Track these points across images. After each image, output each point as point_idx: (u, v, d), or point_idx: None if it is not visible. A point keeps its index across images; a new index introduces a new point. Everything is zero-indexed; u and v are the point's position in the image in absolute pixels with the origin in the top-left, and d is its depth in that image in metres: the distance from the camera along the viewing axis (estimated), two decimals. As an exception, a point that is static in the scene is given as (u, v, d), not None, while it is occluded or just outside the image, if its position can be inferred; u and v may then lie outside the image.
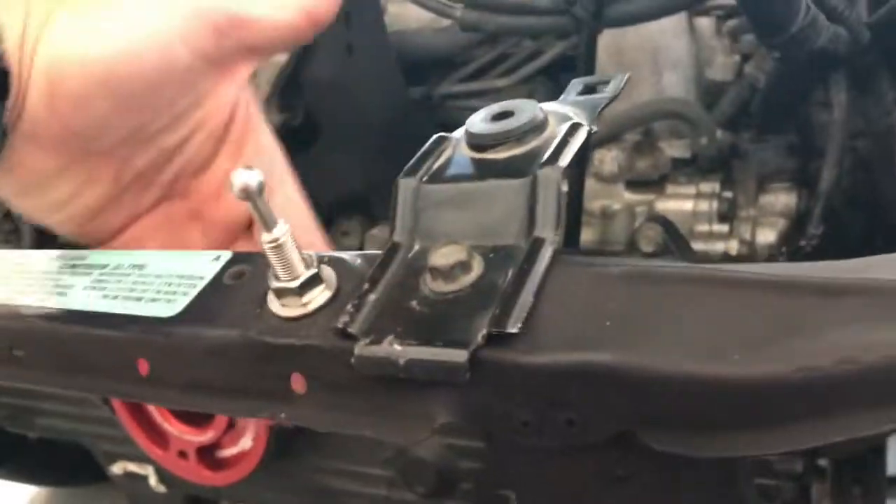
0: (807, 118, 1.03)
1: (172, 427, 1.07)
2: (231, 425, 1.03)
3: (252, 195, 0.41)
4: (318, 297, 0.44)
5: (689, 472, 0.42)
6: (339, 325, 0.41)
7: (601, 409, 0.37)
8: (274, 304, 0.45)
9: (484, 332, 0.38)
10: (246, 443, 1.05)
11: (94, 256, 0.55)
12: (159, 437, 1.09)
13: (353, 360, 0.40)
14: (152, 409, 1.07)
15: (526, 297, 0.40)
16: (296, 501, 1.15)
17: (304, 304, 0.44)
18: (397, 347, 0.40)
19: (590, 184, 1.08)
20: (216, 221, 0.62)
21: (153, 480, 1.21)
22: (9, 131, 0.51)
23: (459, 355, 0.38)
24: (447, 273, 0.42)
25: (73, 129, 0.52)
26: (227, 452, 1.08)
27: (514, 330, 0.38)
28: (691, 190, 1.05)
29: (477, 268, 0.42)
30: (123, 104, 0.53)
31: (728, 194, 1.04)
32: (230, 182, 0.40)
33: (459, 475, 0.99)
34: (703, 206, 1.04)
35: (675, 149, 1.07)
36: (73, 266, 0.55)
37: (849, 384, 0.32)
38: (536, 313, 0.39)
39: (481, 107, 0.50)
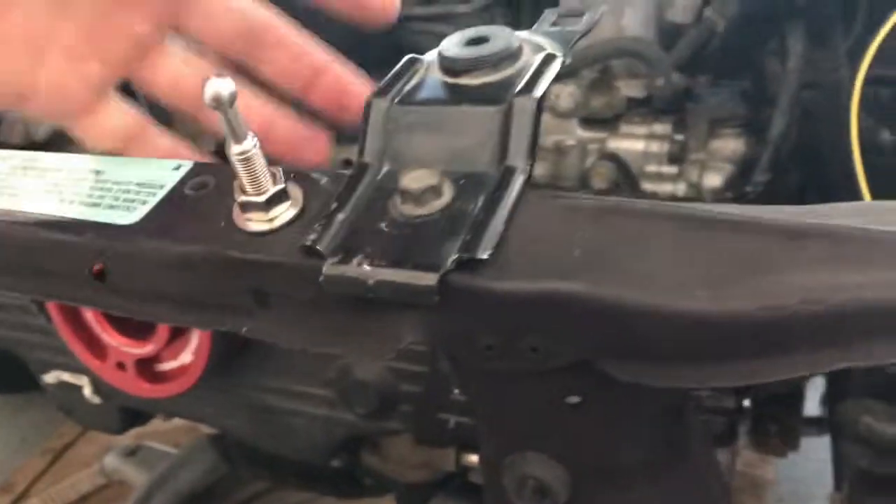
0: (761, 66, 1.05)
1: (111, 338, 1.06)
2: (172, 339, 1.02)
3: (223, 105, 0.40)
4: (285, 213, 0.44)
5: (639, 403, 0.43)
6: (307, 243, 0.41)
7: (566, 338, 0.38)
8: (239, 219, 0.44)
9: (454, 256, 0.39)
10: (186, 357, 1.04)
11: (48, 159, 0.53)
12: (97, 347, 1.07)
13: (321, 278, 0.40)
14: (91, 318, 1.06)
15: (496, 224, 0.40)
16: (235, 418, 1.15)
17: (271, 220, 0.43)
18: (367, 268, 0.40)
19: (545, 118, 1.07)
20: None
21: (88, 391, 1.19)
22: None
23: (430, 279, 0.38)
24: (418, 197, 0.42)
25: None
26: (167, 366, 1.06)
27: (483, 256, 0.38)
28: (644, 130, 1.06)
29: (447, 193, 0.42)
30: None
31: (680, 137, 1.05)
32: (201, 90, 0.39)
33: (400, 398, 1.00)
34: (655, 147, 1.05)
35: (630, 88, 1.07)
36: (25, 168, 0.53)
37: (813, 323, 0.33)
38: (506, 241, 0.40)
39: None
